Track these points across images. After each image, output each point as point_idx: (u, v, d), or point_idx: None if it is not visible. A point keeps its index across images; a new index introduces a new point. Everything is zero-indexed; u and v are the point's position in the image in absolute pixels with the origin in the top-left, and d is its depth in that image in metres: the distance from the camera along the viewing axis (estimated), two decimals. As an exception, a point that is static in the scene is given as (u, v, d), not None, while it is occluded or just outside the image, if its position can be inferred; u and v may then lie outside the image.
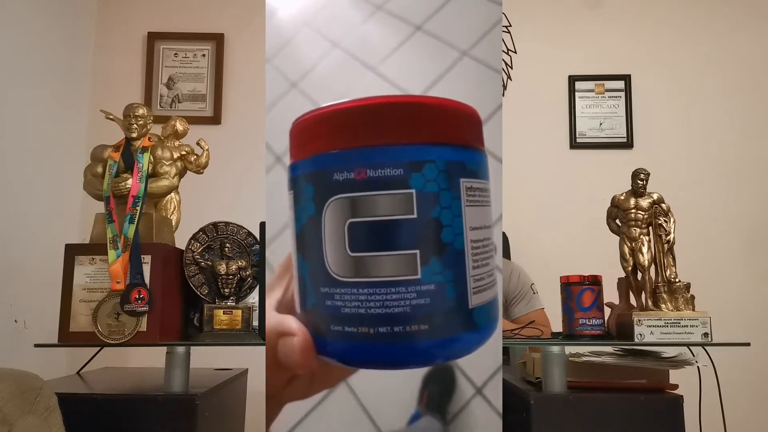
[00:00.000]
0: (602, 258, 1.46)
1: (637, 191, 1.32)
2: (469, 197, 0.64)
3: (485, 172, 0.66)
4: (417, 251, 0.60)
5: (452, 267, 0.62)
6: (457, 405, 1.12)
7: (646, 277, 1.27)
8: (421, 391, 1.26)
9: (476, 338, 0.65)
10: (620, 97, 2.64)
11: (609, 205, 1.37)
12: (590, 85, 2.66)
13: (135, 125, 1.31)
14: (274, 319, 0.61)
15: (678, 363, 1.25)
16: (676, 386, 1.27)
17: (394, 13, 1.40)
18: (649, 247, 1.29)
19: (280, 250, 1.57)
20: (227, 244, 1.35)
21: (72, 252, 1.23)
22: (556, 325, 1.46)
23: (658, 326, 1.21)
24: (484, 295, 0.65)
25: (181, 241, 1.37)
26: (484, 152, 0.67)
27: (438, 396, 1.11)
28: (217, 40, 2.67)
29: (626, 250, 1.31)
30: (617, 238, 1.34)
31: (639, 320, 1.22)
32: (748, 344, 1.22)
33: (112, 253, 1.20)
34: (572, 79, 2.66)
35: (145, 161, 1.29)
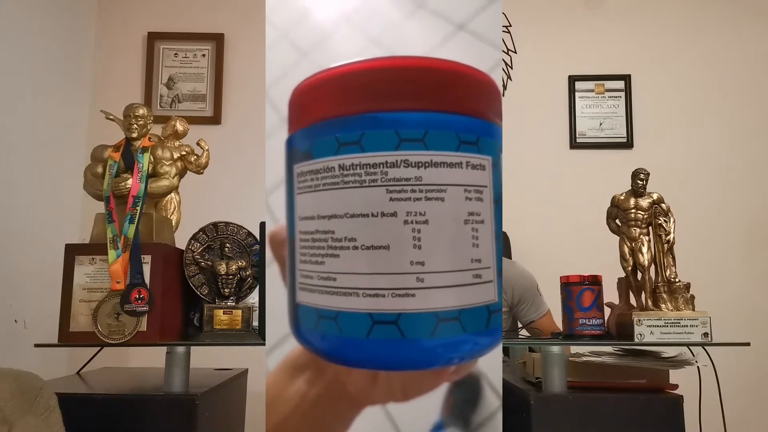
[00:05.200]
0: (602, 258, 1.46)
1: (637, 191, 1.32)
2: (302, 183, 0.56)
3: (323, 147, 0.55)
4: None
5: (290, 257, 0.59)
6: (482, 415, 1.11)
7: (646, 277, 1.27)
8: (445, 398, 1.25)
9: (302, 339, 0.61)
10: (620, 97, 2.64)
11: (609, 205, 1.37)
12: (590, 85, 2.66)
13: (135, 125, 1.31)
14: None
15: (678, 363, 1.25)
16: (676, 386, 1.27)
17: (436, 11, 1.37)
18: (649, 247, 1.29)
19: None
20: (227, 244, 1.35)
21: (72, 252, 1.23)
22: (558, 326, 1.46)
23: (658, 326, 1.21)
24: (318, 298, 0.56)
25: (181, 241, 1.37)
26: (315, 125, 0.55)
27: (462, 404, 1.10)
28: (217, 40, 2.67)
29: (626, 250, 1.31)
30: (617, 238, 1.34)
31: (639, 320, 1.22)
32: (748, 344, 1.22)
33: (112, 253, 1.20)
34: (572, 79, 2.66)
35: (145, 161, 1.29)
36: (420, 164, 0.52)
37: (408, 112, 0.52)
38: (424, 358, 0.57)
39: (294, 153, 0.55)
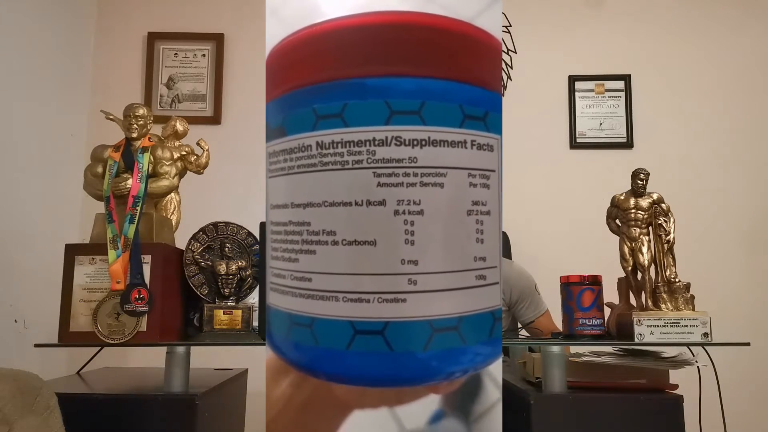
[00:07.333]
0: (602, 258, 1.46)
1: (637, 191, 1.32)
2: (273, 165, 0.46)
3: (298, 122, 0.44)
4: None
5: (267, 251, 0.51)
6: (482, 407, 1.11)
7: (646, 277, 1.27)
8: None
9: (274, 347, 0.51)
10: (620, 97, 2.64)
11: (609, 205, 1.37)
12: (590, 85, 2.66)
13: (135, 125, 1.31)
14: None
15: (678, 363, 1.25)
16: (676, 386, 1.27)
17: (444, 5, 1.38)
18: (649, 247, 1.29)
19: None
20: (227, 244, 1.35)
21: (72, 252, 1.23)
22: (556, 326, 1.46)
23: (658, 326, 1.21)
24: (291, 301, 0.47)
25: (181, 241, 1.37)
26: (289, 95, 0.45)
27: (461, 396, 1.11)
28: (217, 40, 2.67)
29: (626, 250, 1.31)
30: (617, 238, 1.34)
31: (639, 320, 1.22)
32: (748, 344, 1.22)
33: (112, 253, 1.20)
34: (572, 79, 2.66)
35: (145, 161, 1.29)
36: (415, 142, 0.43)
37: (401, 78, 0.43)
38: (416, 374, 0.48)
39: (269, 130, 0.46)
